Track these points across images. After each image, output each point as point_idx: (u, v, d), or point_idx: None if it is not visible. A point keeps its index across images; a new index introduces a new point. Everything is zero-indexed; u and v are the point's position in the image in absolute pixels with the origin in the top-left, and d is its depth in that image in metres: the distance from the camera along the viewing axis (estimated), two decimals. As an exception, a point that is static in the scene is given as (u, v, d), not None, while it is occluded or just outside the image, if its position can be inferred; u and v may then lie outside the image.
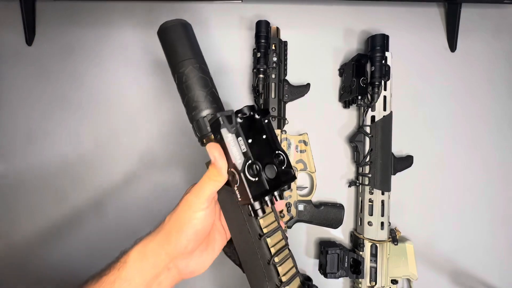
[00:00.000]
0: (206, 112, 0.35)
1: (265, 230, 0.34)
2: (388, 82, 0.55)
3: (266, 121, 0.33)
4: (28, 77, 0.61)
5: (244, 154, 0.31)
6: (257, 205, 0.31)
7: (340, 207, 0.57)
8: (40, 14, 0.62)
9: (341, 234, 0.60)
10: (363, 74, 0.54)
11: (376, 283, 0.54)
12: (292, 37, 0.60)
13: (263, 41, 0.53)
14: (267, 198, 0.31)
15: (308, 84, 0.58)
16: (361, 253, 0.55)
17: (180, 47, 0.35)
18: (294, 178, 0.34)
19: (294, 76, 0.59)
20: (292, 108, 0.59)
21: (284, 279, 0.33)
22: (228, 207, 0.35)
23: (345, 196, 0.60)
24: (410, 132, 0.60)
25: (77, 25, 0.62)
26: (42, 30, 0.62)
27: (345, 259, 0.55)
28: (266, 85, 0.55)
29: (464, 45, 0.61)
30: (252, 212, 0.32)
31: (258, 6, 0.61)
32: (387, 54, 0.54)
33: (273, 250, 0.34)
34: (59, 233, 0.60)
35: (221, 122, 0.30)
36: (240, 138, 0.31)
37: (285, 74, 0.58)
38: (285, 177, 0.33)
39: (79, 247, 0.60)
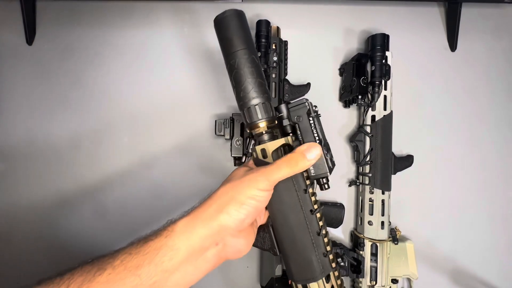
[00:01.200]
0: (257, 101, 0.36)
1: (315, 206, 0.38)
2: (389, 82, 0.55)
3: (319, 113, 0.42)
4: (28, 76, 0.61)
5: (321, 135, 0.39)
6: (325, 180, 0.38)
7: (340, 207, 0.57)
8: (40, 14, 0.62)
9: (341, 234, 0.60)
10: (364, 74, 0.54)
11: (376, 283, 0.54)
12: (292, 36, 0.60)
13: (263, 40, 0.53)
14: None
15: (309, 84, 0.58)
16: (361, 252, 0.55)
17: (237, 37, 0.36)
18: (333, 166, 0.41)
19: (294, 76, 0.59)
20: (292, 108, 0.59)
21: (328, 248, 0.38)
22: (281, 187, 0.37)
23: (345, 196, 0.60)
24: (410, 132, 0.60)
25: (77, 25, 0.62)
26: (43, 29, 0.62)
27: (345, 258, 0.55)
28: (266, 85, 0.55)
29: (464, 45, 0.61)
30: (323, 184, 0.39)
31: (258, 6, 0.61)
32: (387, 53, 0.54)
33: (321, 223, 0.38)
34: (59, 234, 0.60)
35: (308, 107, 0.39)
36: (316, 123, 0.39)
37: (286, 74, 0.58)
38: (331, 162, 0.40)
39: (79, 248, 0.59)
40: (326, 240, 0.38)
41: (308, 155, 0.35)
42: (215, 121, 0.55)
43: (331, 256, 0.38)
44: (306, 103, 0.39)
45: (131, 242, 0.32)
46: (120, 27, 0.62)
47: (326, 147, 0.39)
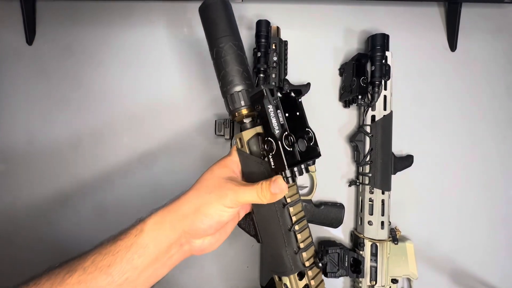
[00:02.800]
0: (240, 87, 0.37)
1: (288, 200, 0.36)
2: (388, 82, 0.55)
3: (299, 100, 0.37)
4: (28, 76, 0.61)
5: (282, 125, 0.34)
6: (288, 173, 0.34)
7: (340, 207, 0.57)
8: (40, 14, 0.62)
9: (341, 234, 0.60)
10: (363, 74, 0.54)
11: (376, 283, 0.54)
12: (292, 36, 0.60)
13: (263, 40, 0.53)
14: (296, 168, 0.34)
15: (309, 84, 0.58)
16: (361, 252, 0.55)
17: (221, 24, 0.37)
18: (319, 155, 0.37)
19: (294, 76, 0.59)
20: (292, 108, 0.59)
21: (301, 245, 0.36)
22: (254, 178, 0.37)
23: (345, 196, 0.60)
24: (410, 132, 0.60)
25: (77, 25, 0.62)
26: (43, 29, 0.62)
27: (345, 258, 0.55)
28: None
29: (464, 45, 0.61)
30: (284, 179, 0.34)
31: (258, 6, 0.61)
32: (387, 53, 0.54)
33: (294, 219, 0.36)
34: (59, 233, 0.60)
35: (265, 94, 0.34)
36: (279, 111, 0.34)
37: (286, 74, 0.58)
38: (312, 153, 0.36)
39: (78, 247, 0.59)
40: (300, 237, 0.37)
41: (272, 189, 0.33)
42: (215, 121, 0.55)
43: (304, 255, 0.37)
44: (264, 90, 0.34)
45: (100, 243, 0.33)
46: (120, 27, 0.62)
47: (289, 138, 0.34)
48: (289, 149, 0.33)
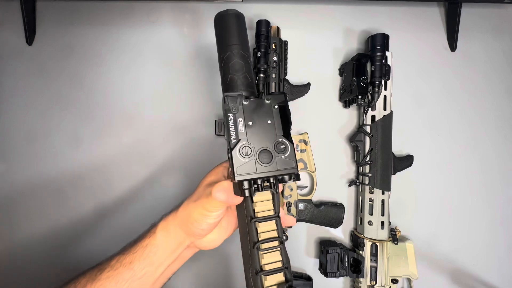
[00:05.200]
0: (243, 93, 0.37)
1: (258, 215, 0.34)
2: (388, 82, 0.55)
3: (276, 107, 0.34)
4: (28, 76, 0.61)
5: (240, 134, 0.32)
6: (245, 184, 0.32)
7: (340, 207, 0.57)
8: (40, 14, 0.62)
9: (341, 234, 0.60)
10: (363, 74, 0.54)
11: (376, 283, 0.54)
12: (292, 36, 0.60)
13: (263, 40, 0.53)
14: (259, 181, 0.32)
15: (308, 84, 0.58)
16: (361, 252, 0.55)
17: (233, 33, 0.38)
18: (294, 169, 0.33)
19: (294, 76, 0.59)
20: (292, 108, 0.58)
21: (266, 268, 0.32)
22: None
23: (345, 196, 0.60)
24: (410, 132, 0.60)
25: (77, 25, 0.62)
26: (43, 29, 0.62)
27: (345, 258, 0.55)
28: (266, 84, 0.55)
29: (464, 45, 0.61)
30: (240, 191, 0.32)
31: (258, 6, 0.61)
32: (387, 53, 0.54)
33: (262, 236, 0.33)
34: (59, 233, 0.60)
35: (224, 102, 0.33)
36: (240, 119, 0.33)
37: (286, 74, 0.58)
38: (284, 166, 0.33)
39: (79, 247, 0.60)
40: (265, 258, 0.32)
41: (213, 190, 0.34)
42: (215, 121, 0.55)
43: (266, 278, 0.32)
44: (225, 98, 0.33)
45: (123, 247, 0.40)
46: (120, 27, 0.62)
47: (244, 148, 0.32)
48: (244, 160, 0.32)
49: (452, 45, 0.61)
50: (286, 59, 0.58)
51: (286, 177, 0.33)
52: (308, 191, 0.59)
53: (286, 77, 0.58)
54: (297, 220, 0.57)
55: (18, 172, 0.60)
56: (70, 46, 0.62)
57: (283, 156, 0.33)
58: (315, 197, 0.59)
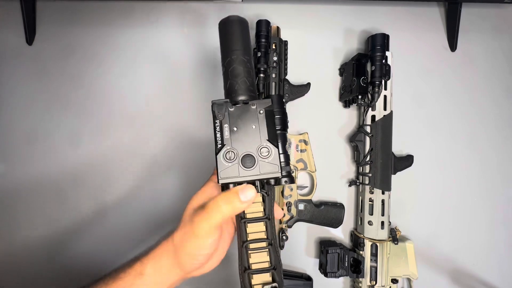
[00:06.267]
0: (243, 97, 0.37)
1: (247, 216, 0.35)
2: (389, 82, 0.55)
3: (261, 112, 0.35)
4: (28, 76, 0.61)
5: (225, 140, 0.34)
6: (231, 187, 0.33)
7: (340, 207, 0.57)
8: (40, 14, 0.62)
9: (341, 234, 0.60)
10: (364, 74, 0.54)
11: (376, 283, 0.54)
12: (292, 36, 0.60)
13: (263, 40, 0.53)
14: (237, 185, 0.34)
15: (309, 84, 0.58)
16: (361, 252, 0.55)
17: (236, 38, 0.38)
18: (278, 175, 0.34)
19: (294, 76, 0.59)
20: (292, 108, 0.59)
21: (253, 267, 0.34)
22: None
23: (345, 196, 0.60)
24: (410, 132, 0.60)
25: (77, 25, 0.62)
26: (43, 29, 0.62)
27: (345, 258, 0.55)
28: (266, 84, 0.55)
29: (464, 45, 0.61)
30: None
31: (258, 6, 0.61)
32: (387, 53, 0.54)
33: (250, 236, 0.35)
34: (59, 232, 0.60)
35: (212, 109, 0.35)
36: (226, 125, 0.34)
37: (286, 74, 0.58)
38: (267, 170, 0.34)
39: (79, 246, 0.60)
40: (252, 257, 0.34)
41: (241, 197, 0.32)
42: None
43: (253, 277, 0.34)
44: (213, 106, 0.35)
45: (102, 277, 0.35)
46: (120, 27, 0.62)
47: (228, 153, 0.34)
48: (228, 164, 0.33)
49: (452, 45, 0.61)
50: (286, 59, 0.58)
51: (272, 181, 0.34)
52: (308, 191, 0.59)
53: (286, 77, 0.58)
54: (297, 220, 0.57)
55: (18, 172, 0.60)
56: (70, 46, 0.62)
57: (266, 160, 0.34)
58: (315, 197, 0.59)
